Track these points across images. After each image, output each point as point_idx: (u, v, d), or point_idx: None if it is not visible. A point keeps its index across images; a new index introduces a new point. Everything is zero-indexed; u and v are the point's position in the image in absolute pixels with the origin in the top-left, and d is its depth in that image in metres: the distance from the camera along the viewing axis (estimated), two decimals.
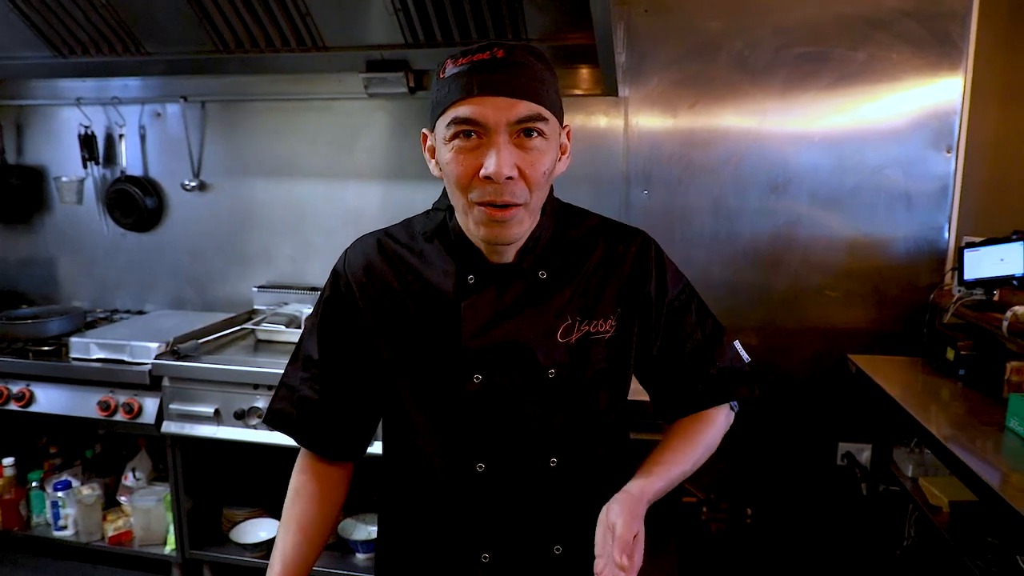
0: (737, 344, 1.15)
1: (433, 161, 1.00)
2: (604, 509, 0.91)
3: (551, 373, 0.99)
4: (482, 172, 0.89)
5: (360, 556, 2.54)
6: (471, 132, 0.90)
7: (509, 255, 1.01)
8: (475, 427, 1.01)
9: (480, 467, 1.01)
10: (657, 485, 0.96)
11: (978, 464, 1.63)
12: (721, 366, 1.10)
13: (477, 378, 0.99)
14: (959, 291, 2.26)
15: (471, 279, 1.00)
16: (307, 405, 1.07)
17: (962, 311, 2.23)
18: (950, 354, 2.19)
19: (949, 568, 2.29)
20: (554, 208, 1.06)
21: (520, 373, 0.99)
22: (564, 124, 1.00)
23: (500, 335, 0.99)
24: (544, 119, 0.91)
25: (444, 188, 1.02)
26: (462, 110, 0.89)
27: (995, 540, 1.86)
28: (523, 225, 0.94)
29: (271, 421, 1.11)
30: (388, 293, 1.04)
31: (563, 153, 1.01)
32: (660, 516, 1.04)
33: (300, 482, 1.09)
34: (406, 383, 1.03)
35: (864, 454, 2.59)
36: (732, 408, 1.14)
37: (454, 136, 0.91)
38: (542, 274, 1.01)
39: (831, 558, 2.62)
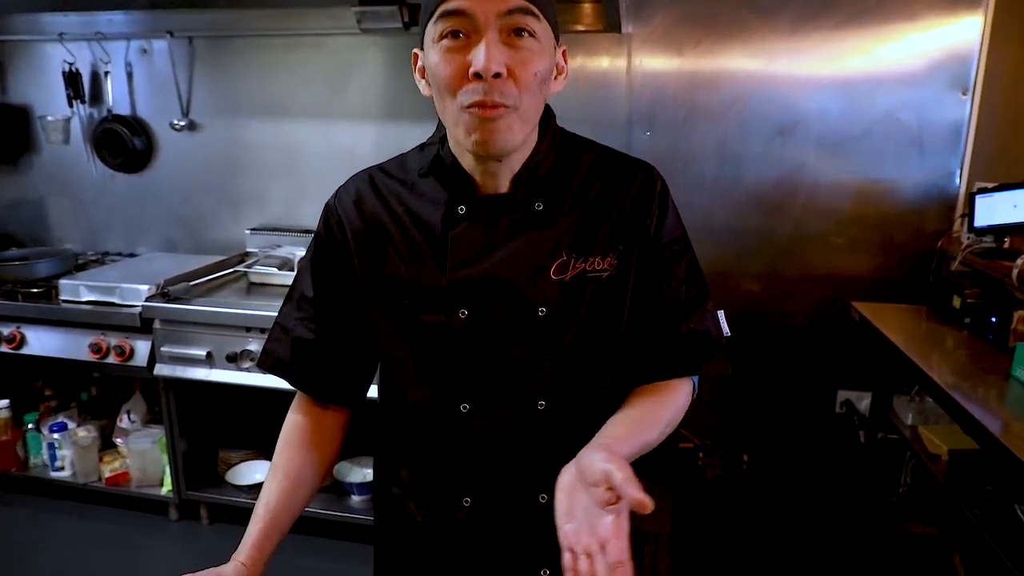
0: (721, 315, 1.06)
1: (424, 81, 0.95)
2: (574, 463, 0.82)
3: (541, 311, 0.94)
4: (471, 69, 0.84)
5: (355, 498, 2.54)
6: (459, 32, 0.85)
7: (503, 183, 0.95)
8: (460, 365, 0.96)
9: (464, 408, 0.96)
10: (625, 450, 0.87)
11: (980, 412, 1.60)
12: (696, 328, 1.00)
13: (463, 313, 0.94)
14: (968, 238, 2.20)
15: (461, 209, 0.95)
16: (302, 346, 1.03)
17: (970, 259, 2.17)
18: (956, 302, 2.15)
19: (945, 516, 2.30)
20: (555, 136, 1.00)
21: (508, 310, 0.94)
22: (560, 45, 0.94)
23: (488, 268, 0.94)
24: (535, 16, 0.86)
25: (438, 123, 0.96)
26: (451, 4, 0.85)
27: (994, 489, 1.84)
28: (514, 132, 0.88)
29: (264, 362, 1.06)
30: (377, 228, 0.99)
31: (559, 73, 0.95)
32: (655, 462, 0.99)
33: (292, 426, 1.05)
34: (391, 319, 0.99)
35: (863, 402, 2.57)
36: (694, 385, 1.04)
37: (443, 36, 0.86)
38: (538, 206, 0.95)
39: (827, 505, 2.62)
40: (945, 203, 2.42)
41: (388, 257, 0.98)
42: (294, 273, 1.11)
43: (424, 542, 1.04)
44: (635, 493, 0.70)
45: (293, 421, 1.05)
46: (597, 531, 0.74)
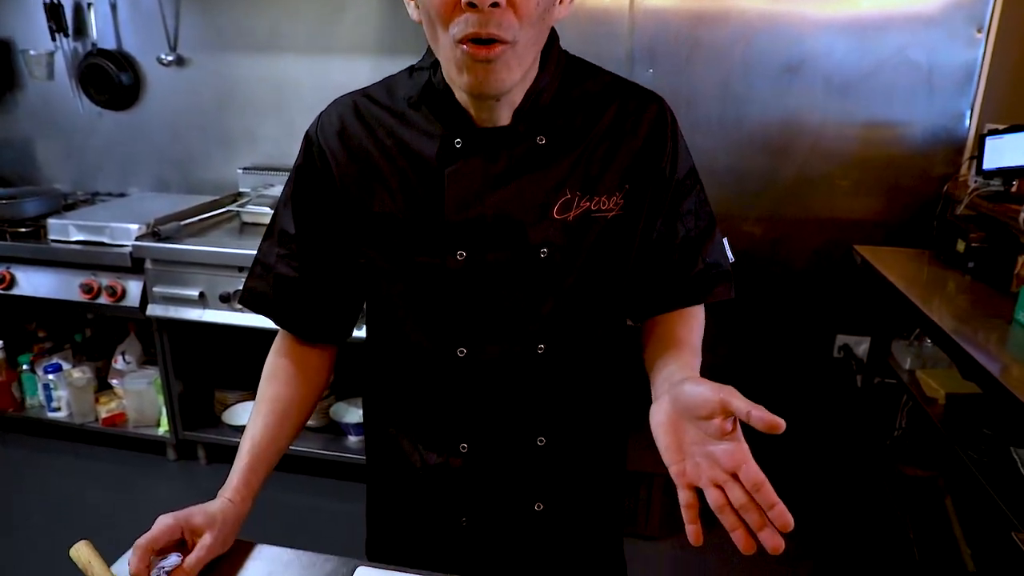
0: (725, 241, 1.04)
1: (412, 3, 0.87)
2: (666, 401, 0.78)
3: (543, 253, 0.90)
4: None
5: (352, 439, 2.55)
6: None
7: (503, 116, 0.88)
8: (457, 309, 0.92)
9: (461, 352, 0.93)
10: None
11: (981, 354, 1.58)
12: (708, 261, 0.98)
13: (460, 255, 0.90)
14: (975, 181, 2.15)
15: (458, 143, 0.89)
16: (284, 283, 0.99)
17: (976, 202, 2.13)
18: (960, 246, 2.11)
19: (940, 458, 2.31)
20: (559, 62, 0.93)
21: (508, 251, 0.90)
22: None
23: (487, 208, 0.89)
24: None
25: (427, 47, 0.89)
26: None
27: (990, 432, 1.84)
28: (511, 72, 0.81)
29: (246, 300, 1.03)
30: (364, 161, 0.93)
31: None
32: (646, 402, 0.97)
33: (276, 365, 1.02)
34: (381, 260, 0.94)
35: (861, 347, 2.56)
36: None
37: None
38: (540, 139, 0.89)
39: (822, 447, 2.64)
40: (953, 146, 2.36)
41: (377, 194, 0.92)
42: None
43: (418, 484, 1.02)
44: (767, 415, 0.66)
45: (277, 360, 1.01)
46: (720, 462, 0.71)
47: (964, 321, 1.79)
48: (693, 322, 0.99)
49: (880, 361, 2.41)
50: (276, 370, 1.01)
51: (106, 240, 2.44)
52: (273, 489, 2.56)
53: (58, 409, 2.83)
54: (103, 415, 2.76)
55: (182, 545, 0.85)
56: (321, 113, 0.98)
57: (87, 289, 2.45)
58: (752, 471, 0.69)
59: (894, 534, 2.16)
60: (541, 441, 0.96)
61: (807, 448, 2.66)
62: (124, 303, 2.45)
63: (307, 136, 0.97)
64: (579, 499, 1.01)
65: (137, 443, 2.80)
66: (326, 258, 0.98)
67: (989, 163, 2.06)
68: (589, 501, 1.04)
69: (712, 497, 0.71)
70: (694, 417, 0.74)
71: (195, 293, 2.35)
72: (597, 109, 0.92)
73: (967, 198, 2.15)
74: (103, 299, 2.46)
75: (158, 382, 2.66)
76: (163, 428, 2.71)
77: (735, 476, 0.70)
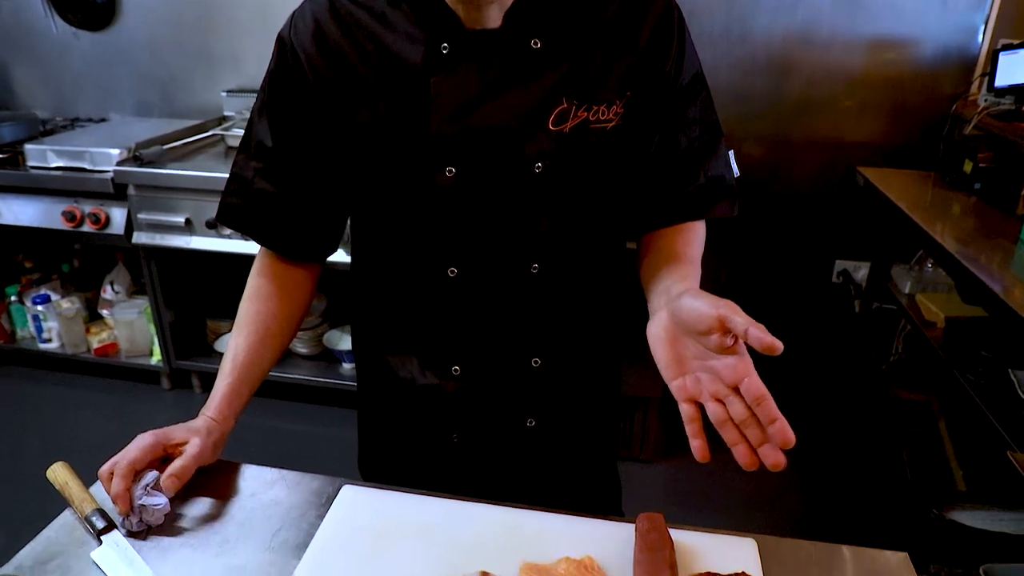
0: (731, 154, 0.98)
1: None
2: (664, 316, 0.75)
3: (537, 167, 0.84)
4: None
5: (346, 366, 2.54)
6: None
7: (493, 17, 0.81)
8: (447, 227, 0.87)
9: (452, 272, 0.88)
10: None
11: (984, 274, 1.55)
12: (711, 175, 0.92)
13: (449, 171, 0.84)
14: (985, 100, 2.08)
15: (444, 48, 0.82)
16: (263, 199, 0.93)
17: (986, 121, 2.06)
18: (967, 167, 2.05)
19: (936, 382, 2.31)
20: None
21: (500, 166, 0.84)
22: None
23: (478, 120, 0.82)
24: None
25: None
26: None
27: (988, 354, 1.83)
28: None
29: (223, 217, 0.97)
30: (343, 67, 0.85)
31: None
32: (642, 322, 0.93)
33: (257, 284, 0.97)
34: (366, 174, 0.89)
35: (860, 272, 2.53)
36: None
37: None
38: (535, 43, 0.82)
39: (817, 372, 2.64)
40: (964, 63, 2.28)
41: (358, 104, 0.85)
42: None
43: (409, 405, 0.99)
44: (766, 336, 0.63)
45: (258, 279, 0.97)
46: (722, 376, 0.68)
47: (968, 242, 1.75)
48: (692, 236, 0.93)
49: (879, 286, 2.39)
50: (257, 289, 0.97)
51: (87, 166, 2.36)
52: (266, 416, 2.56)
53: (49, 340, 2.80)
54: (95, 345, 2.74)
55: (164, 464, 0.82)
56: (294, 12, 0.90)
57: (70, 217, 2.39)
58: (754, 385, 0.66)
59: (887, 456, 2.17)
60: (536, 362, 0.93)
61: (803, 372, 2.65)
62: (109, 231, 2.39)
63: (279, 39, 0.90)
64: (572, 417, 0.99)
65: (131, 373, 2.79)
66: (306, 171, 0.92)
67: (1002, 80, 1.99)
68: (582, 419, 1.01)
69: (712, 411, 0.68)
70: (692, 332, 0.71)
71: (181, 220, 2.29)
72: (596, 9, 0.84)
73: (976, 117, 2.08)
74: (87, 227, 2.40)
75: (148, 311, 2.63)
76: (156, 358, 2.70)
77: (736, 390, 0.67)
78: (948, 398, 2.26)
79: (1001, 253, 1.71)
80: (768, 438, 0.65)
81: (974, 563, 1.74)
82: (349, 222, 0.99)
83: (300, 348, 2.60)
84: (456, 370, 0.92)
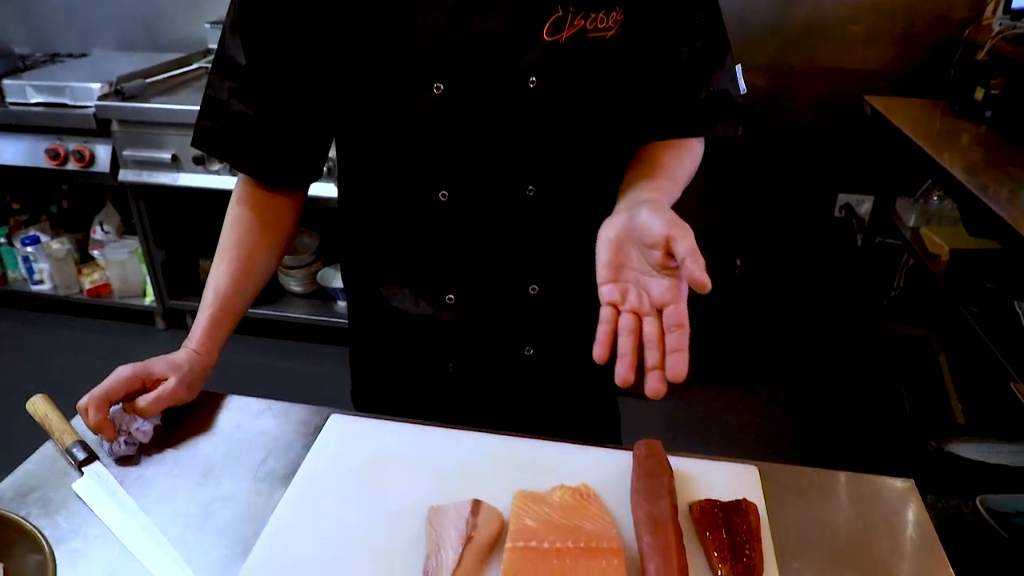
0: (739, 69, 0.91)
1: None
2: (622, 217, 0.71)
3: (531, 82, 0.78)
4: None
5: (340, 304, 2.51)
6: None
7: None
8: (436, 149, 0.82)
9: (443, 196, 0.84)
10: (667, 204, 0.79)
11: (994, 203, 1.50)
12: (714, 90, 0.87)
13: (437, 88, 0.78)
14: (1000, 23, 1.99)
15: None
16: (239, 121, 0.87)
17: (1000, 46, 1.97)
18: (978, 94, 1.98)
19: (938, 315, 2.29)
20: None
21: (492, 81, 0.78)
22: None
23: (466, 32, 0.76)
24: None
25: None
26: None
27: (993, 286, 1.80)
28: None
29: (198, 142, 0.91)
30: None
31: None
32: None
33: (237, 213, 0.92)
34: (348, 93, 0.83)
35: (864, 206, 2.48)
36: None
37: None
38: None
39: (818, 307, 2.62)
40: None
41: (337, 15, 0.79)
42: None
43: (402, 335, 0.95)
44: (697, 271, 0.61)
45: (237, 208, 0.92)
46: (652, 295, 0.66)
47: (978, 172, 1.69)
48: (684, 153, 0.88)
49: (883, 219, 2.34)
50: (238, 218, 0.92)
51: (67, 101, 2.28)
52: (260, 355, 2.54)
53: (41, 282, 2.77)
54: (87, 286, 2.71)
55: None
56: None
57: (53, 155, 2.32)
58: (678, 312, 0.64)
59: (887, 390, 2.17)
60: (533, 290, 0.89)
61: (803, 307, 2.63)
62: (94, 169, 2.33)
63: None
64: (571, 346, 0.95)
65: (125, 313, 2.77)
66: (283, 91, 0.86)
67: (1020, 1, 1.90)
68: (582, 349, 0.97)
69: (625, 320, 0.66)
70: (640, 242, 0.68)
71: (167, 156, 2.23)
72: None
73: (990, 41, 1.99)
74: (72, 165, 2.34)
75: (139, 251, 2.59)
76: (149, 298, 2.67)
77: (659, 314, 0.65)
78: (949, 332, 2.24)
79: (1011, 183, 1.65)
80: (661, 366, 0.63)
81: (971, 494, 1.75)
82: (334, 147, 0.94)
83: (294, 286, 2.57)
84: (450, 299, 0.88)
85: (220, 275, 0.88)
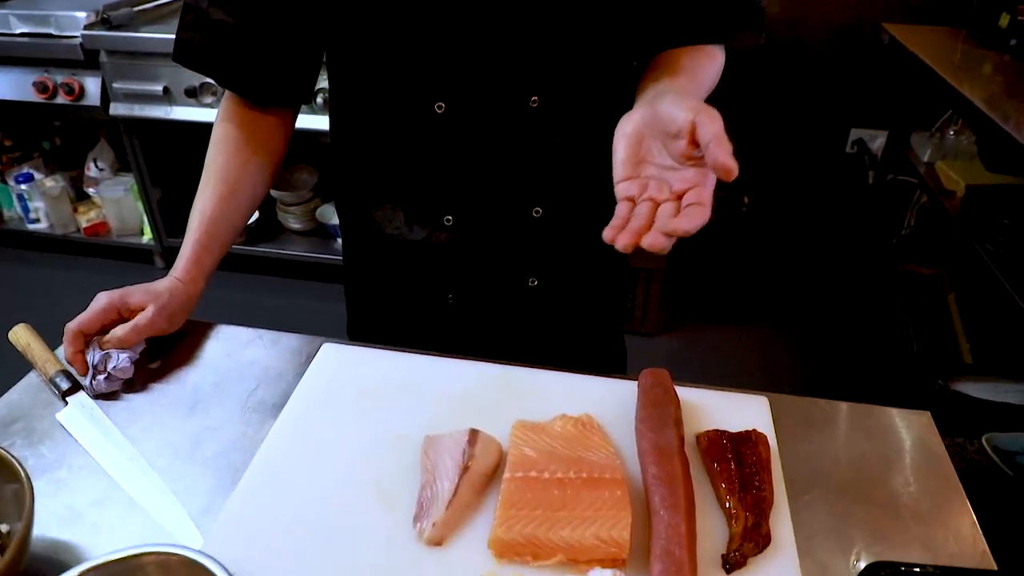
0: None
1: None
2: (643, 110, 0.65)
3: None
4: None
5: (339, 241, 2.46)
6: None
7: None
8: (430, 55, 0.76)
9: (439, 107, 0.77)
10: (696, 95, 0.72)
11: (1016, 133, 1.44)
12: None
13: None
14: None
15: None
16: (220, 32, 0.81)
17: None
18: (1003, 20, 1.90)
19: (947, 255, 2.24)
20: None
21: None
22: None
23: None
24: None
25: None
26: None
27: (1009, 222, 1.74)
28: None
29: (179, 56, 0.85)
30: None
31: None
32: None
33: (223, 131, 0.87)
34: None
35: (877, 141, 2.41)
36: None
37: None
38: None
39: (826, 246, 2.57)
40: None
41: None
42: None
43: (399, 262, 0.91)
44: (722, 155, 0.54)
45: (223, 125, 0.87)
46: (672, 186, 0.61)
47: (1000, 102, 1.62)
48: (705, 59, 0.81)
49: (897, 155, 2.27)
50: (224, 137, 0.87)
51: (53, 31, 2.20)
52: (258, 293, 2.50)
53: (37, 220, 2.73)
54: (84, 225, 2.67)
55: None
56: None
57: (41, 88, 2.25)
58: (701, 193, 0.58)
59: (894, 329, 2.14)
60: (537, 212, 0.83)
61: (812, 246, 2.58)
62: (84, 103, 2.26)
63: None
64: (577, 276, 0.91)
65: (123, 252, 2.73)
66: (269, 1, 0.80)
67: None
68: (588, 279, 0.93)
69: (642, 207, 0.60)
70: (662, 133, 0.62)
71: (158, 88, 2.16)
72: None
73: None
74: (61, 99, 2.27)
75: (135, 189, 2.54)
76: (147, 236, 2.63)
77: (679, 199, 0.59)
78: (960, 271, 2.20)
79: None
80: (667, 229, 0.56)
81: (977, 433, 1.74)
82: (324, 65, 0.88)
83: (293, 223, 2.52)
84: (448, 220, 0.83)
85: (206, 199, 0.84)
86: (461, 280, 0.88)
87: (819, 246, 2.58)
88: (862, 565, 0.57)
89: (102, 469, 0.65)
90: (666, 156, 0.62)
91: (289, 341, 0.80)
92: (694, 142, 0.58)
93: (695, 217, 0.56)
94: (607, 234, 0.59)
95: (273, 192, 2.46)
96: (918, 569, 0.51)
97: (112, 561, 0.49)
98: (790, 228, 2.57)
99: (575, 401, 0.69)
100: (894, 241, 2.43)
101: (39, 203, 2.68)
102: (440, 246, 0.85)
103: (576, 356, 0.94)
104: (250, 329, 0.82)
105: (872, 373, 2.18)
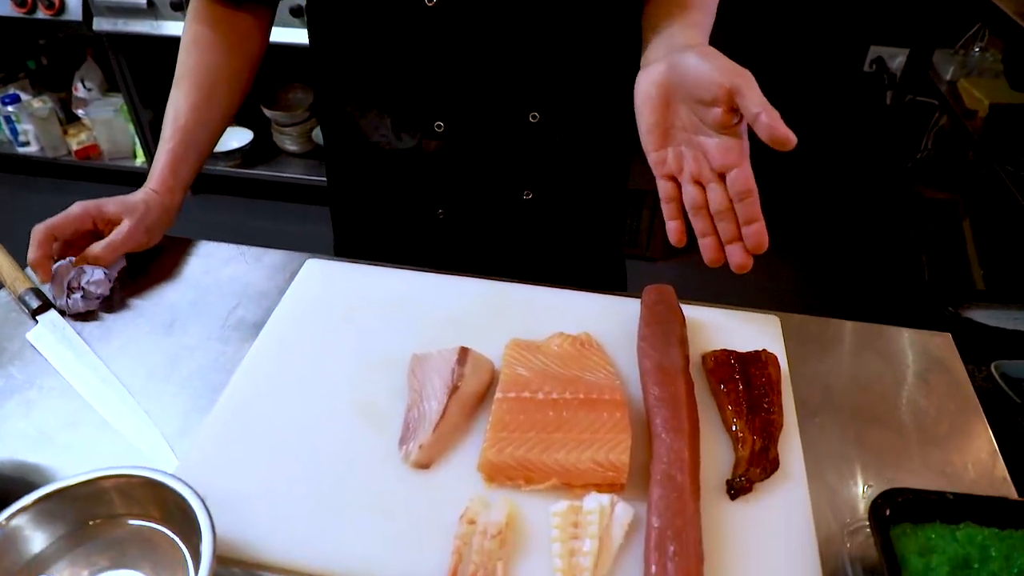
0: None
1: None
2: (662, 69, 0.60)
3: None
4: None
5: None
6: None
7: None
8: None
9: (430, 0, 0.71)
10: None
11: None
12: None
13: None
14: None
15: None
16: None
17: None
18: None
19: (966, 179, 2.16)
20: None
21: None
22: None
23: None
24: None
25: None
26: None
27: None
28: None
29: None
30: None
31: None
32: None
33: (195, 32, 0.80)
34: None
35: (897, 59, 2.29)
36: None
37: None
38: None
39: (840, 168, 2.49)
40: None
41: None
42: None
43: (386, 173, 0.84)
44: (779, 126, 0.52)
45: (195, 25, 0.80)
46: (710, 157, 0.58)
47: None
48: None
49: (917, 73, 2.17)
50: (196, 38, 0.80)
51: None
52: (254, 218, 2.44)
53: (27, 143, 2.65)
54: (75, 147, 2.59)
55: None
56: None
57: (19, 2, 2.14)
58: (743, 176, 0.57)
59: (906, 255, 2.09)
60: (534, 117, 0.76)
61: (824, 167, 2.50)
62: (66, 17, 2.16)
63: None
64: (574, 189, 0.85)
65: (116, 176, 2.67)
66: None
67: None
68: (585, 192, 0.87)
69: (690, 195, 0.60)
70: (691, 98, 0.58)
71: (142, 0, 2.05)
72: None
73: None
74: (41, 13, 2.16)
75: (125, 109, 2.45)
76: (140, 159, 2.56)
77: (722, 177, 0.58)
78: (976, 196, 2.13)
79: None
80: (739, 237, 0.57)
81: (987, 360, 1.70)
82: None
83: (289, 145, 2.45)
84: (439, 126, 0.76)
85: (179, 105, 0.78)
86: (452, 193, 0.82)
87: (832, 169, 2.49)
88: (874, 492, 0.54)
89: (74, 390, 0.62)
90: (695, 120, 0.59)
91: (272, 258, 0.76)
92: (731, 109, 0.55)
93: (757, 237, 0.56)
94: (675, 239, 0.61)
95: (267, 112, 2.37)
96: (935, 496, 0.48)
97: (74, 485, 0.46)
98: (802, 150, 2.47)
99: (573, 319, 0.64)
100: (909, 165, 2.35)
101: (28, 125, 2.60)
102: (429, 155, 0.79)
103: (573, 275, 0.89)
104: (231, 245, 0.78)
105: (882, 299, 2.14)
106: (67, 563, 0.47)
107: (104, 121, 2.52)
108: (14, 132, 2.64)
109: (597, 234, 0.94)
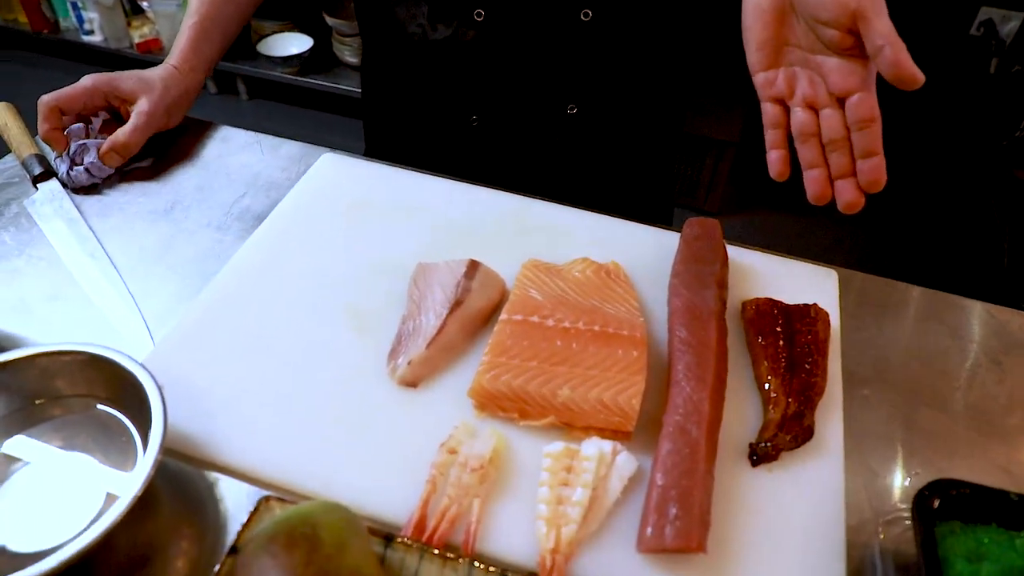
0: None
1: None
2: None
3: None
4: None
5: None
6: None
7: None
8: None
9: None
10: None
11: None
12: None
13: None
14: None
15: None
16: None
17: None
18: None
19: None
20: None
21: None
22: None
23: None
24: None
25: None
26: None
27: None
28: None
29: None
30: None
31: None
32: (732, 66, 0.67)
33: None
34: None
35: (1009, 24, 2.09)
36: None
37: None
38: None
39: (927, 140, 2.31)
40: None
41: None
42: None
43: (419, 66, 0.76)
44: (906, 61, 0.47)
45: None
46: (828, 80, 0.50)
47: None
48: None
49: None
50: None
51: None
52: (307, 132, 2.39)
53: (91, 32, 2.65)
54: (136, 40, 2.58)
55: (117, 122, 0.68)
56: None
57: None
58: (867, 103, 0.49)
59: (988, 238, 1.93)
60: (586, 15, 0.67)
61: (912, 131, 2.32)
62: None
63: None
64: (625, 105, 0.76)
65: None
66: None
67: None
68: (637, 112, 0.78)
69: (799, 119, 0.51)
70: (809, 16, 0.50)
71: None
72: None
73: None
74: None
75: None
76: None
77: (839, 103, 0.50)
78: None
79: None
80: (852, 172, 0.49)
81: None
82: None
83: (348, 56, 2.38)
84: (479, 14, 0.68)
85: None
86: (488, 97, 0.74)
87: (920, 135, 2.31)
88: (920, 481, 0.47)
89: (62, 263, 0.58)
90: (812, 38, 0.51)
91: (290, 148, 0.70)
92: (850, 33, 0.48)
93: (874, 173, 0.49)
94: (776, 170, 0.51)
95: (329, 20, 2.30)
96: (996, 494, 0.40)
97: (11, 361, 0.43)
98: (889, 114, 2.30)
99: (603, 247, 0.57)
100: (1005, 143, 2.16)
101: (93, 15, 2.60)
102: (466, 47, 0.71)
103: (614, 205, 0.81)
104: (250, 132, 0.72)
105: (956, 280, 2.00)
106: (19, 441, 0.44)
107: (167, 15, 2.49)
108: (80, 19, 2.63)
109: (645, 164, 0.86)
